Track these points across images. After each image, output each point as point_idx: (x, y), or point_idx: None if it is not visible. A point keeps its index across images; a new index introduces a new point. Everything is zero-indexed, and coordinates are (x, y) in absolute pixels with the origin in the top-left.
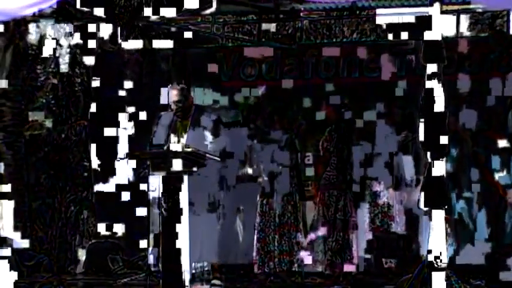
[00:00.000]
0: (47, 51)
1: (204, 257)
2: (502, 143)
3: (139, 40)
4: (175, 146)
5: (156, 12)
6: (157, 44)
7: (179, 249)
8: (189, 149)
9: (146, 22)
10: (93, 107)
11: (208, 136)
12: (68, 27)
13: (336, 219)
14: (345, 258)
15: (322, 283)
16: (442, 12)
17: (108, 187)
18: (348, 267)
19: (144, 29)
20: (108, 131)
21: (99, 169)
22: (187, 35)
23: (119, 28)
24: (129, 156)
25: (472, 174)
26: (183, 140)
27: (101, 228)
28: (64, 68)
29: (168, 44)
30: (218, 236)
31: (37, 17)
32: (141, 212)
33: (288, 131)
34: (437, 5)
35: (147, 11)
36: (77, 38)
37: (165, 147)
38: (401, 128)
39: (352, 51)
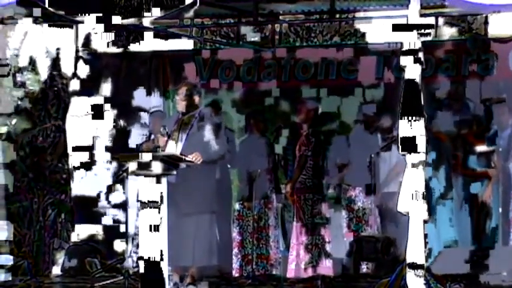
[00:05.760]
0: (26, 53)
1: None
2: (481, 148)
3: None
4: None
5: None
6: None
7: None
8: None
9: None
10: (71, 110)
11: (211, 139)
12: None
13: (315, 222)
14: (324, 262)
15: (300, 287)
16: (421, 15)
17: (87, 190)
18: (326, 271)
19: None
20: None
21: (77, 171)
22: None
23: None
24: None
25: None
26: (183, 138)
27: (79, 230)
28: (43, 70)
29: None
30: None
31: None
32: (119, 215)
33: (265, 134)
34: (415, 6)
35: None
36: (57, 41)
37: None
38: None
39: (330, 53)
